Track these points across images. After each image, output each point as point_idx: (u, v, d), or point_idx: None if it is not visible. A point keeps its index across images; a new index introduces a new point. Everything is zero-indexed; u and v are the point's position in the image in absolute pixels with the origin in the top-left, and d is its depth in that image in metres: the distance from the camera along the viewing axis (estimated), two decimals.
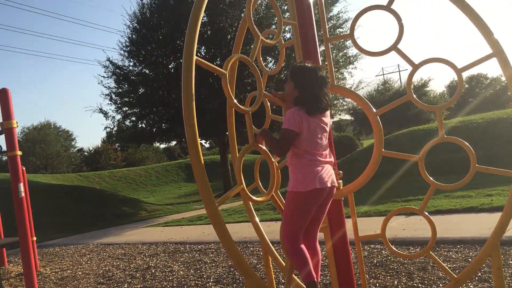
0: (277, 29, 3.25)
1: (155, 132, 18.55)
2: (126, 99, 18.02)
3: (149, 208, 17.21)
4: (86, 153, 44.86)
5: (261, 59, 3.64)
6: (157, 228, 10.80)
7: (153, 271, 5.95)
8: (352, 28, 3.50)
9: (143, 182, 28.31)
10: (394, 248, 3.35)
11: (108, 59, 17.78)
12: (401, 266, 4.56)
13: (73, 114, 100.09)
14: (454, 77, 3.37)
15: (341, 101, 19.01)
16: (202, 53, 17.30)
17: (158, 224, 11.67)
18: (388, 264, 4.73)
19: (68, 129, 45.75)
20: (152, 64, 17.62)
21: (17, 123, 5.87)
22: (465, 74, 48.74)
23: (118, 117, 18.52)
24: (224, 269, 5.52)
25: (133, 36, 17.87)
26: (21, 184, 5.82)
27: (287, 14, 14.83)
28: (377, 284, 4.13)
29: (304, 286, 2.91)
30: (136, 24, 17.82)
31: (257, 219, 3.37)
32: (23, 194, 5.80)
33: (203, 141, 25.18)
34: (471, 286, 3.73)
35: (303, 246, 2.87)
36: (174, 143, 23.65)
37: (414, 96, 3.24)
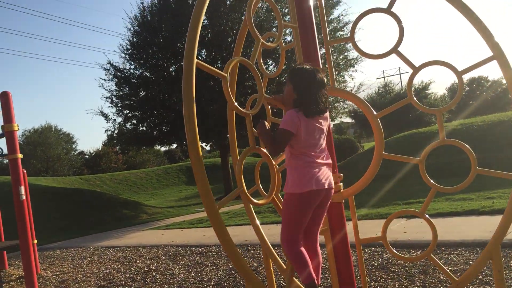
0: (278, 32, 3.26)
1: (156, 135, 18.57)
2: (127, 102, 18.04)
3: (150, 211, 17.20)
4: (87, 156, 44.93)
5: (261, 62, 3.65)
6: (157, 231, 10.79)
7: (153, 274, 5.95)
8: (353, 31, 3.50)
9: (144, 185, 28.32)
10: (395, 251, 3.34)
11: (109, 62, 17.83)
12: (402, 269, 4.55)
13: (74, 117, 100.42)
14: (455, 79, 3.38)
15: (342, 103, 19.02)
16: (203, 56, 17.32)
17: (159, 227, 11.66)
18: (389, 267, 4.72)
19: (69, 132, 45.77)
20: (153, 67, 17.65)
21: (18, 126, 5.88)
22: (466, 77, 48.63)
23: (119, 119, 18.55)
24: (225, 272, 5.52)
25: (134, 39, 17.91)
26: (22, 187, 5.82)
27: (288, 17, 14.88)
28: (378, 287, 4.12)
29: None
30: (137, 27, 17.86)
31: (257, 222, 3.36)
32: (24, 197, 5.80)
33: (203, 144, 25.22)
34: None
35: (302, 248, 2.88)
36: (175, 146, 23.69)
37: (415, 98, 3.25)
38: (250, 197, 2.87)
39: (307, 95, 2.85)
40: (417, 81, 40.23)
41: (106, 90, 18.25)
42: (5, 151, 5.89)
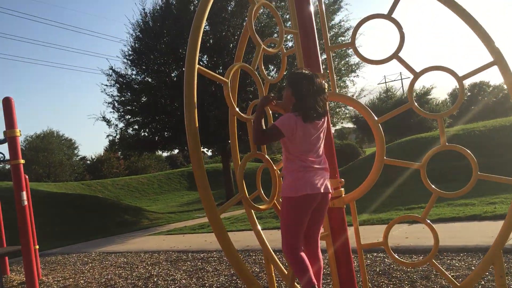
0: (279, 38, 3.27)
1: (157, 140, 18.60)
2: (129, 107, 18.09)
3: (151, 217, 17.19)
4: (88, 162, 44.99)
5: (263, 67, 3.66)
6: (159, 237, 10.78)
7: (155, 279, 5.94)
8: (354, 36, 3.52)
9: (146, 190, 28.33)
10: (396, 257, 3.34)
11: (111, 68, 17.90)
12: (404, 275, 4.54)
13: (76, 123, 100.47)
14: (457, 85, 3.39)
15: (343, 109, 19.03)
16: (205, 61, 17.37)
17: (161, 233, 11.65)
18: (391, 272, 4.71)
19: (71, 138, 45.83)
20: (154, 73, 17.71)
21: (20, 131, 5.90)
22: (468, 82, 48.83)
23: (121, 125, 18.60)
24: (226, 277, 5.51)
25: (136, 44, 17.98)
26: (24, 193, 5.84)
27: (289, 23, 14.83)
28: None
29: None
30: (139, 33, 17.93)
31: (259, 227, 3.37)
32: (25, 203, 5.82)
33: (205, 149, 25.21)
34: None
35: (302, 253, 2.88)
36: (176, 151, 23.70)
37: (416, 104, 3.26)
38: (252, 202, 2.87)
39: (305, 100, 2.86)
40: (418, 86, 40.25)
41: (108, 95, 18.34)
42: (7, 156, 5.91)
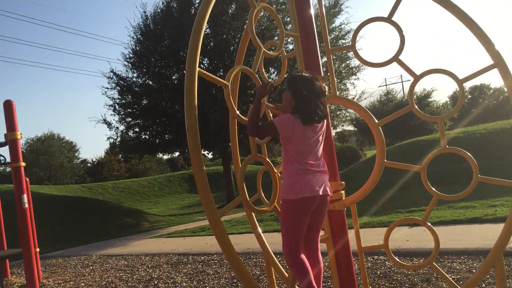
0: (279, 41, 3.28)
1: (158, 143, 18.60)
2: (130, 110, 18.10)
3: (152, 219, 17.18)
4: (89, 164, 45.03)
5: (263, 70, 3.67)
6: (160, 239, 10.77)
7: (156, 282, 5.93)
8: (354, 39, 3.53)
9: (146, 193, 28.32)
10: (397, 259, 3.34)
11: (112, 71, 17.92)
12: (404, 277, 4.54)
13: (76, 126, 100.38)
14: (457, 87, 3.40)
15: (344, 112, 19.03)
16: (205, 64, 17.39)
17: (161, 235, 11.64)
18: (392, 275, 4.70)
19: (72, 140, 45.90)
20: (155, 75, 17.72)
21: (21, 134, 5.91)
22: (468, 84, 48.77)
23: (122, 127, 18.61)
24: (227, 280, 5.50)
25: (137, 47, 18.00)
26: (25, 195, 5.84)
27: (289, 25, 14.86)
28: None
29: None
30: (140, 36, 17.96)
31: (259, 230, 3.37)
32: (26, 205, 5.82)
33: (206, 152, 25.23)
34: None
35: (302, 256, 2.87)
36: (177, 154, 23.72)
37: (416, 106, 3.26)
38: (252, 205, 2.87)
39: (305, 103, 2.87)
40: (419, 89, 40.22)
41: (109, 98, 18.33)
42: (8, 159, 5.92)
